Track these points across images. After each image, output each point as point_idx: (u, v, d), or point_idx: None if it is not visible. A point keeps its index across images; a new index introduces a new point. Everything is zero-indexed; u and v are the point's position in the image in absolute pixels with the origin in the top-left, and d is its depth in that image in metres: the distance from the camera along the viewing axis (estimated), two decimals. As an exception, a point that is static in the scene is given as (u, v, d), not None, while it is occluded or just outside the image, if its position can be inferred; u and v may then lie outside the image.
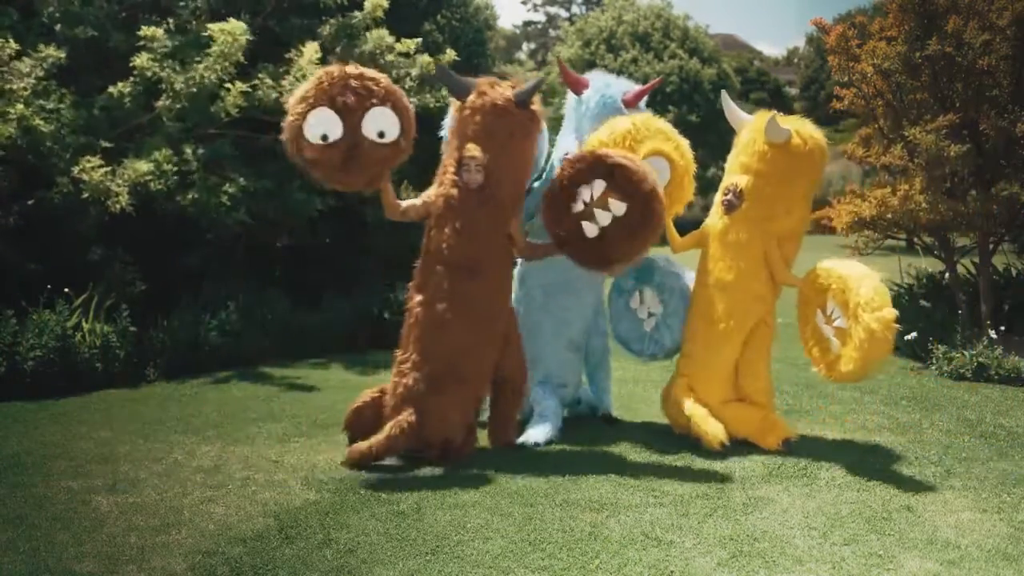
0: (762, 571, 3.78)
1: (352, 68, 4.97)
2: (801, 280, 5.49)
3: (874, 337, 4.87)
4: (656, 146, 5.40)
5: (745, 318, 5.51)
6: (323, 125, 4.83)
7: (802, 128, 5.49)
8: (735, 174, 5.61)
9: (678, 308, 5.78)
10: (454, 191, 5.13)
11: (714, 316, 5.51)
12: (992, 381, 7.36)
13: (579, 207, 5.08)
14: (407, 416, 4.98)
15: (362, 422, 5.29)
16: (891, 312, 4.90)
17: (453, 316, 5.08)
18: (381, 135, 4.93)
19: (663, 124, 5.55)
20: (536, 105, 5.34)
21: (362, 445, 4.97)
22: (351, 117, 4.86)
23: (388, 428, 4.96)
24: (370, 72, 5.01)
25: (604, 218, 5.01)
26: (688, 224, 5.91)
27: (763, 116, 5.55)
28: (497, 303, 5.24)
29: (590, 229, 5.06)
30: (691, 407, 5.45)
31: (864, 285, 4.98)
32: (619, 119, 5.55)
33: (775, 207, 5.47)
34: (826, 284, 5.26)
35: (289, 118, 4.88)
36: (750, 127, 5.63)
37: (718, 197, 5.70)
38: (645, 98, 6.00)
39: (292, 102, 4.92)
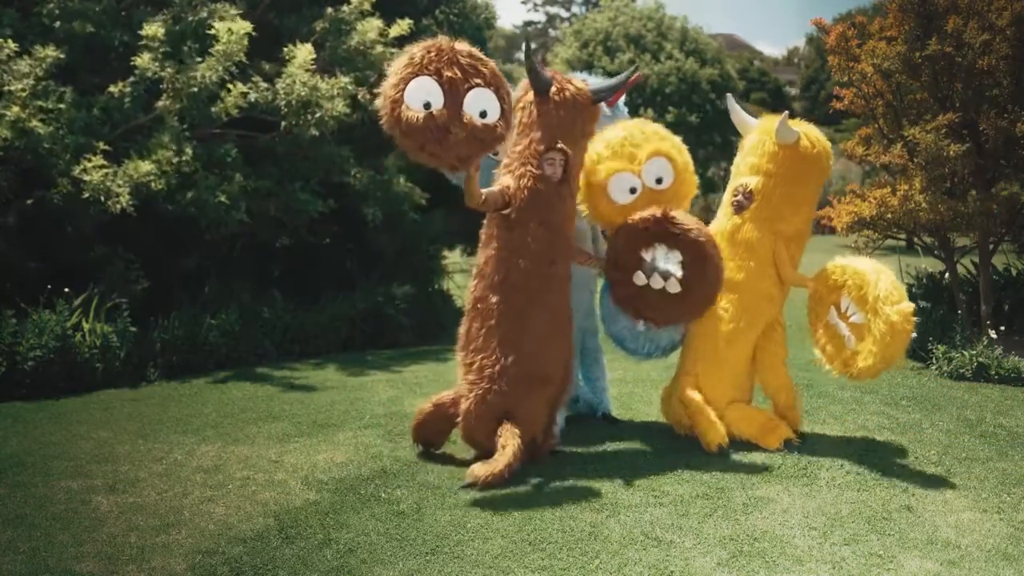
0: (762, 571, 3.78)
1: (461, 45, 4.86)
2: (811, 279, 5.54)
3: (895, 329, 4.94)
4: (655, 147, 5.50)
5: (755, 318, 5.55)
6: (426, 93, 4.64)
7: (808, 131, 5.59)
8: (744, 175, 5.67)
9: None
10: (540, 185, 5.07)
11: (724, 315, 5.54)
12: (992, 381, 7.36)
13: (641, 280, 5.28)
14: (515, 433, 4.86)
15: (427, 432, 5.28)
16: (909, 305, 4.99)
17: (537, 313, 5.05)
18: (483, 115, 4.78)
19: (654, 126, 5.65)
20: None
21: (490, 469, 4.71)
22: (454, 91, 4.69)
23: (510, 446, 4.79)
24: (478, 53, 4.91)
25: (655, 284, 5.25)
26: None
27: (771, 119, 5.64)
28: (567, 299, 5.25)
29: (637, 279, 5.29)
30: (696, 405, 5.47)
31: (882, 280, 5.06)
32: (610, 129, 5.62)
33: (783, 207, 5.53)
34: (841, 281, 5.31)
35: (390, 81, 4.66)
36: (758, 129, 5.69)
37: (726, 197, 5.75)
38: (624, 96, 6.12)
39: (395, 67, 4.74)
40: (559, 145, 5.06)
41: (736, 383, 5.59)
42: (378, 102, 4.75)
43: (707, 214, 29.31)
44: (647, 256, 5.27)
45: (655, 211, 5.25)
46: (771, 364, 5.59)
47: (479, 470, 4.68)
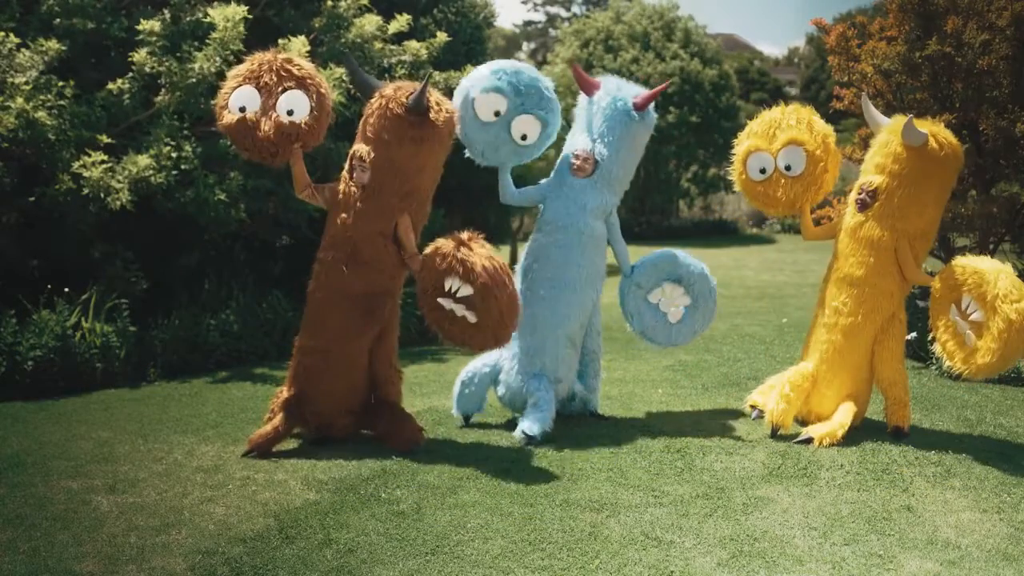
0: (762, 571, 3.78)
1: (285, 55, 5.49)
2: (933, 278, 5.63)
3: (1013, 327, 5.03)
4: (793, 135, 5.88)
5: (874, 313, 5.70)
6: (243, 100, 5.36)
7: (939, 132, 5.64)
8: (870, 173, 5.78)
9: (706, 295, 6.03)
10: (351, 188, 5.47)
11: (844, 309, 5.73)
12: (992, 381, 7.35)
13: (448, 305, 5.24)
14: (287, 395, 5.44)
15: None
16: None
17: (339, 305, 5.45)
18: (291, 113, 5.34)
19: (808, 115, 5.99)
20: None
21: (263, 431, 5.35)
22: (268, 95, 5.36)
23: (278, 418, 5.38)
24: (297, 59, 5.52)
25: (457, 311, 5.21)
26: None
27: (901, 119, 5.72)
28: (383, 298, 5.51)
29: (444, 303, 5.26)
30: (785, 382, 5.74)
31: (1002, 278, 5.15)
32: (772, 110, 6.10)
33: (908, 207, 5.62)
34: (961, 280, 5.39)
35: (222, 91, 5.48)
36: (887, 128, 5.77)
37: (852, 195, 5.90)
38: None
39: (229, 77, 5.52)
40: (360, 151, 5.40)
41: (855, 375, 5.76)
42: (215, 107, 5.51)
43: (707, 213, 28.85)
44: (447, 284, 5.19)
45: (453, 241, 5.23)
46: (887, 358, 5.73)
47: (253, 436, 5.33)
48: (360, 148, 5.39)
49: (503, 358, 5.96)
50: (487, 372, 5.99)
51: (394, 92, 5.36)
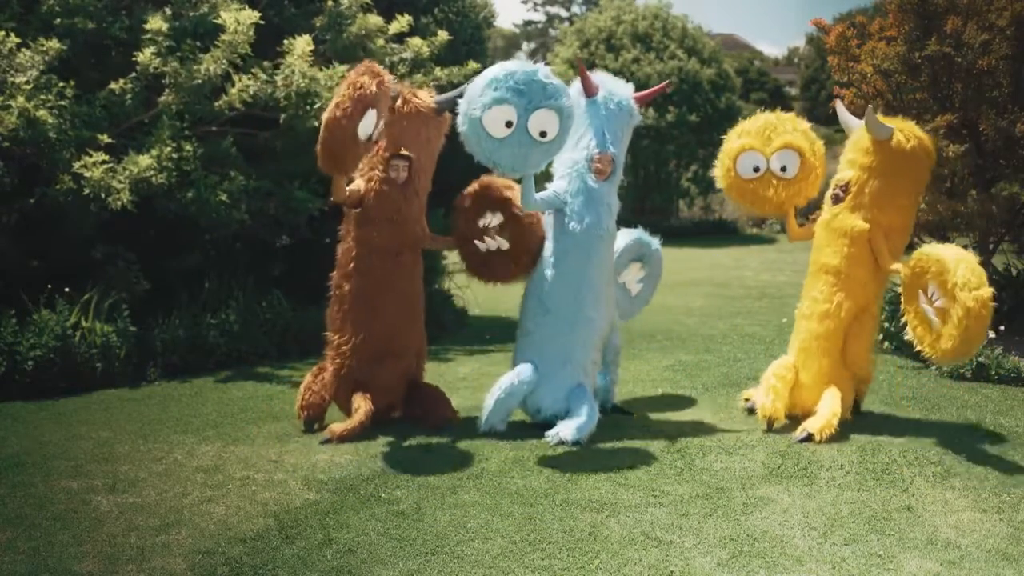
0: (762, 571, 3.79)
1: (381, 70, 5.31)
2: (904, 265, 5.73)
3: (971, 315, 5.07)
4: (789, 140, 6.16)
5: (846, 301, 5.89)
6: (370, 126, 5.18)
7: (906, 128, 5.88)
8: (844, 170, 6.04)
9: (657, 262, 6.57)
10: (385, 187, 5.75)
11: (820, 296, 5.97)
12: (992, 381, 7.36)
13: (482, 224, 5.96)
14: (366, 398, 5.64)
15: (313, 403, 5.88)
16: (987, 290, 5.13)
17: (386, 298, 5.80)
18: (368, 139, 5.29)
19: (803, 124, 6.31)
20: None
21: (344, 426, 5.52)
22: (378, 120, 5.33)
23: (361, 409, 5.58)
24: (387, 74, 5.35)
25: (491, 246, 5.96)
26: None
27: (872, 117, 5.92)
28: (417, 284, 5.98)
29: (480, 246, 5.98)
30: (769, 375, 5.94)
31: (961, 266, 5.21)
32: (766, 113, 6.38)
33: (880, 198, 5.85)
34: (926, 267, 5.47)
35: (344, 93, 5.03)
36: (858, 127, 6.04)
37: (828, 193, 6.17)
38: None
39: (350, 90, 5.05)
40: (403, 152, 5.73)
41: (835, 361, 5.90)
42: (330, 113, 5.01)
43: (707, 213, 28.82)
44: (482, 222, 5.92)
45: (477, 183, 5.97)
46: (853, 345, 5.90)
47: (336, 428, 5.53)
48: (402, 149, 5.73)
49: (534, 369, 5.74)
50: (520, 386, 5.70)
51: (414, 95, 5.79)
